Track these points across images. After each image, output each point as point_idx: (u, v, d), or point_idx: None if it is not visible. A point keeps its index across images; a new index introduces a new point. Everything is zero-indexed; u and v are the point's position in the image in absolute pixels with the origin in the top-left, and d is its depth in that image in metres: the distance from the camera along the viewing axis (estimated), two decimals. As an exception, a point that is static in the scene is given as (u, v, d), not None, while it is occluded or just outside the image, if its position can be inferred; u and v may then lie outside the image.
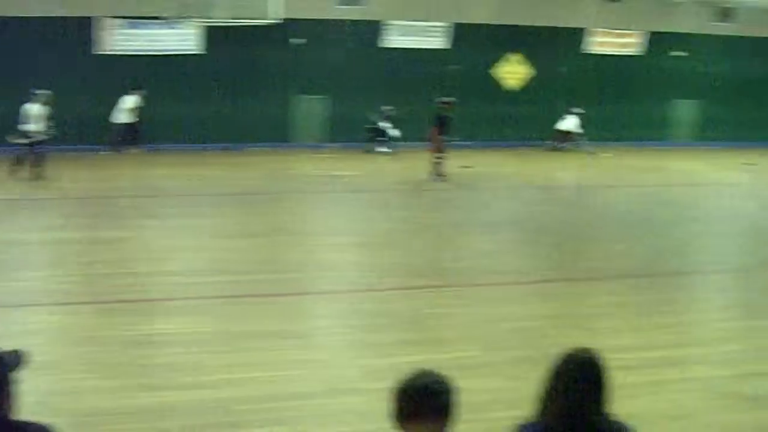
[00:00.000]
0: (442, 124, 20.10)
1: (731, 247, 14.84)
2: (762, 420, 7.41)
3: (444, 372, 3.30)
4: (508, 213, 17.24)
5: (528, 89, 26.64)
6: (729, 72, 27.82)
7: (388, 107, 24.47)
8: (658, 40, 26.88)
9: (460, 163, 21.02)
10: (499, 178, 21.26)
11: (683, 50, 27.27)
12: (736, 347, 9.43)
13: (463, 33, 25.41)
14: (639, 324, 9.93)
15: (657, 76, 27.16)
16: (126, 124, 23.27)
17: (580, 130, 25.98)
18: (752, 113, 28.04)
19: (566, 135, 26.21)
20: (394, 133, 24.50)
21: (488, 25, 25.56)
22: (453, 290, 11.24)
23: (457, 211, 16.85)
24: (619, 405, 3.71)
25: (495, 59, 26.36)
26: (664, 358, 8.80)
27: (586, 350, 3.59)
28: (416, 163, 21.26)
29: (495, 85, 26.41)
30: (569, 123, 26.39)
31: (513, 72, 26.62)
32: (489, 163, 23.09)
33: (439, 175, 19.94)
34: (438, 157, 20.01)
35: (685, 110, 27.96)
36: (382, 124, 24.66)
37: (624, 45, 27.00)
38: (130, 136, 23.25)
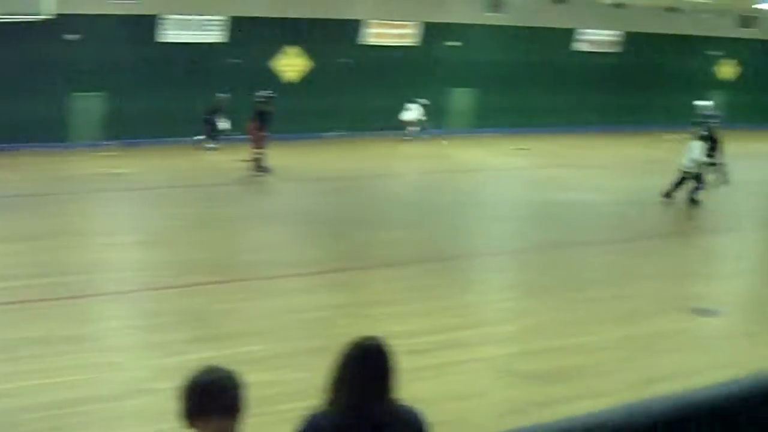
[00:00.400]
0: (261, 118, 19.87)
1: (508, 230, 15.47)
2: (542, 394, 7.77)
3: (232, 367, 3.25)
4: (297, 205, 17.27)
5: (307, 81, 26.69)
6: (502, 61, 28.97)
7: (223, 95, 23.81)
8: (433, 31, 27.62)
9: (241, 156, 20.82)
10: (289, 170, 21.21)
11: (458, 40, 28.15)
12: (516, 326, 9.88)
13: (240, 26, 25.14)
14: (425, 308, 10.20)
15: (433, 66, 27.89)
16: None
17: (424, 118, 26.60)
18: (525, 100, 29.34)
19: (410, 124, 26.85)
20: (224, 125, 23.72)
21: (266, 18, 25.41)
22: (240, 284, 11.14)
23: (246, 205, 16.74)
24: (407, 389, 3.77)
25: (274, 52, 26.26)
26: (450, 341, 9.08)
27: (371, 338, 3.61)
28: (233, 156, 20.89)
29: (274, 78, 26.26)
30: (413, 113, 26.96)
31: (291, 65, 26.62)
32: (281, 156, 22.98)
33: (259, 169, 19.71)
34: (257, 152, 19.77)
35: (461, 99, 28.89)
36: (213, 117, 23.93)
37: (400, 36, 27.54)
38: None
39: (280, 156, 20.19)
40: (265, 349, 8.63)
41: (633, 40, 31.00)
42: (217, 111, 23.86)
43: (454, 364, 8.38)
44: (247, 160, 19.71)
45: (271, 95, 20.36)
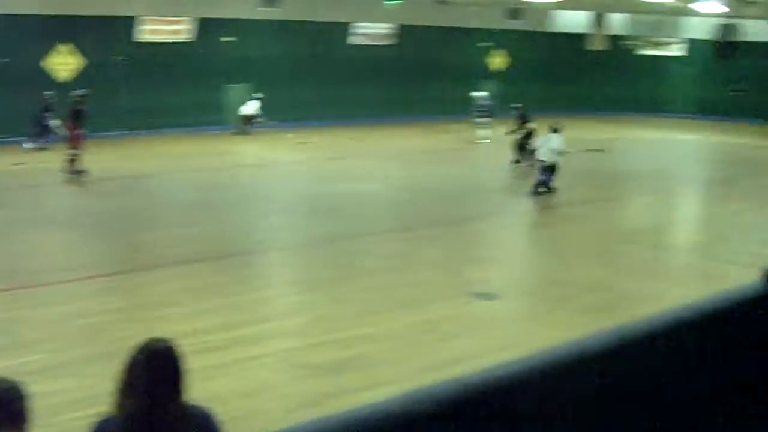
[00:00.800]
0: (77, 117, 18.92)
1: (292, 224, 15.55)
2: (333, 385, 7.89)
3: (15, 378, 3.11)
4: (81, 206, 16.69)
5: (80, 80, 25.67)
6: (279, 55, 29.01)
7: (49, 93, 22.33)
8: (207, 27, 27.27)
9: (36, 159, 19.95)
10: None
11: (233, 36, 27.94)
12: (303, 319, 9.96)
13: (9, 24, 23.84)
14: (211, 306, 10.10)
15: (209, 62, 27.56)
16: None
17: (260, 113, 26.46)
18: (304, 94, 29.51)
19: (249, 119, 26.69)
20: (55, 123, 22.19)
21: (36, 16, 24.23)
22: (15, 293, 10.59)
23: (24, 208, 15.90)
24: (198, 388, 3.74)
25: (45, 51, 25.09)
26: (238, 337, 9.05)
27: (158, 339, 3.57)
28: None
29: (46, 78, 25.10)
30: (251, 107, 26.90)
31: (64, 63, 25.54)
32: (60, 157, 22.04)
33: (74, 171, 18.73)
34: (73, 153, 18.77)
35: (238, 95, 28.69)
36: (44, 116, 22.43)
37: (174, 32, 27.04)
38: None
39: (60, 157, 19.33)
40: (47, 357, 8.30)
41: (406, 33, 31.82)
42: (47, 109, 22.59)
43: (244, 361, 8.37)
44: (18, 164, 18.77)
45: (85, 93, 19.42)
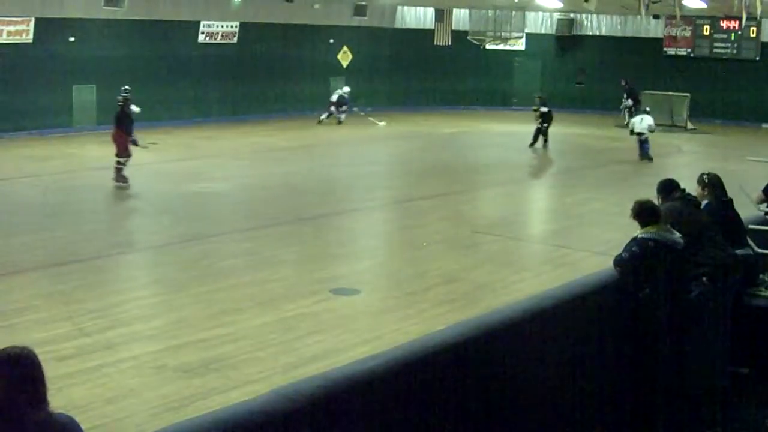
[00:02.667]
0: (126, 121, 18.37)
1: (145, 226, 15.33)
2: (196, 387, 7.90)
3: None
4: None
5: None
6: (125, 55, 28.35)
7: None
8: (48, 27, 26.42)
9: None
10: None
11: (76, 36, 27.16)
12: (162, 322, 9.89)
13: None
14: (67, 312, 9.91)
15: (52, 63, 26.71)
16: None
17: None
18: (151, 94, 28.84)
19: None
20: None
21: None
22: None
23: None
24: (58, 397, 3.73)
25: None
26: (97, 343, 8.92)
27: (14, 347, 3.52)
28: None
29: None
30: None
31: None
32: None
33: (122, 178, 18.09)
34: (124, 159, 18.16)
35: (83, 95, 27.93)
36: None
37: (14, 33, 26.08)
38: None
39: None
40: None
41: (253, 31, 31.64)
42: None
43: (105, 366, 8.27)
44: None
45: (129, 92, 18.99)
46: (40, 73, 26.37)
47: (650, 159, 23.48)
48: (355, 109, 31.37)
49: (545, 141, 26.33)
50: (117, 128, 18.63)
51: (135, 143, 18.32)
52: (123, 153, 18.24)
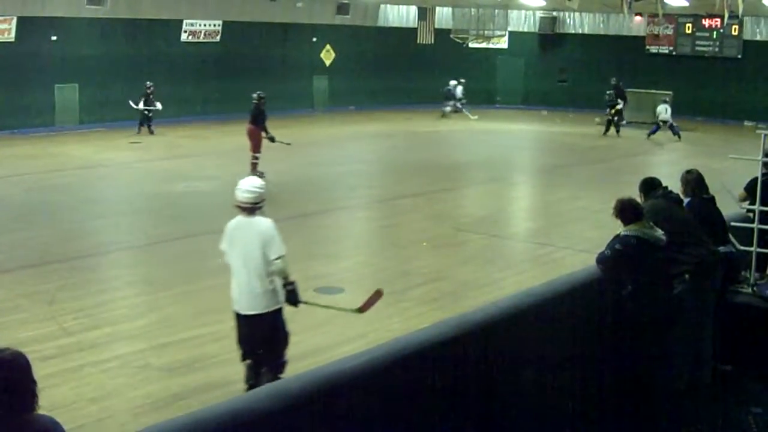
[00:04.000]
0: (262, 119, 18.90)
1: (129, 225, 15.26)
2: (180, 386, 7.87)
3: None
4: None
5: None
6: (108, 54, 28.25)
7: None
8: (30, 26, 26.29)
9: None
10: None
11: (59, 35, 27.04)
12: (146, 321, 9.86)
13: None
14: (50, 312, 9.86)
15: (34, 62, 26.58)
16: None
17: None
18: (132, 93, 28.80)
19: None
20: None
21: None
22: None
23: None
24: (42, 397, 3.71)
25: None
26: (80, 342, 8.89)
27: (2, 351, 3.52)
28: None
29: None
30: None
31: None
32: None
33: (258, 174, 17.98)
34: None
35: (66, 94, 27.83)
36: None
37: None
38: None
39: None
40: None
41: (233, 30, 31.58)
42: None
43: (89, 366, 8.24)
44: None
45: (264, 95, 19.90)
46: (22, 72, 26.26)
47: (680, 137, 27.72)
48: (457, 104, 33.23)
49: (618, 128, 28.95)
50: (253, 125, 19.19)
51: (272, 140, 18.99)
52: (258, 149, 18.99)
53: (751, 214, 8.82)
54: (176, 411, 6.63)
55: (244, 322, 7.45)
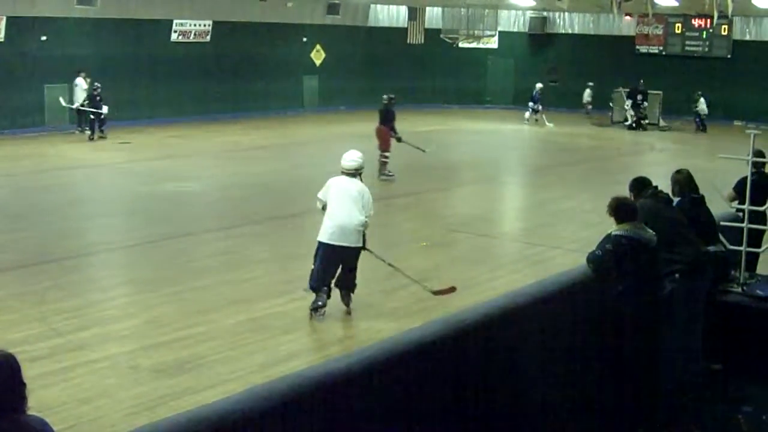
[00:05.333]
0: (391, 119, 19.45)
1: (118, 226, 15.23)
2: (170, 387, 7.86)
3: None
4: None
5: None
6: (98, 54, 28.14)
7: None
8: (20, 26, 26.19)
9: None
10: None
11: (48, 35, 26.93)
12: (136, 322, 9.84)
13: None
14: (39, 313, 9.83)
15: (23, 62, 26.48)
16: None
17: None
18: (123, 93, 28.72)
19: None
20: None
21: None
22: None
23: None
24: (30, 397, 3.71)
25: None
26: (70, 343, 8.87)
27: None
28: None
29: None
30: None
31: None
32: None
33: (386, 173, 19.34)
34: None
35: (56, 94, 27.55)
36: None
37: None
38: None
39: None
40: None
41: (223, 30, 31.53)
42: None
43: (78, 367, 8.22)
44: None
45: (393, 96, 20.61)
46: (11, 72, 26.15)
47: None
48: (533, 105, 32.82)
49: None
50: (382, 125, 19.79)
51: (399, 140, 19.73)
52: (387, 148, 19.59)
53: (740, 214, 8.85)
54: (166, 411, 6.62)
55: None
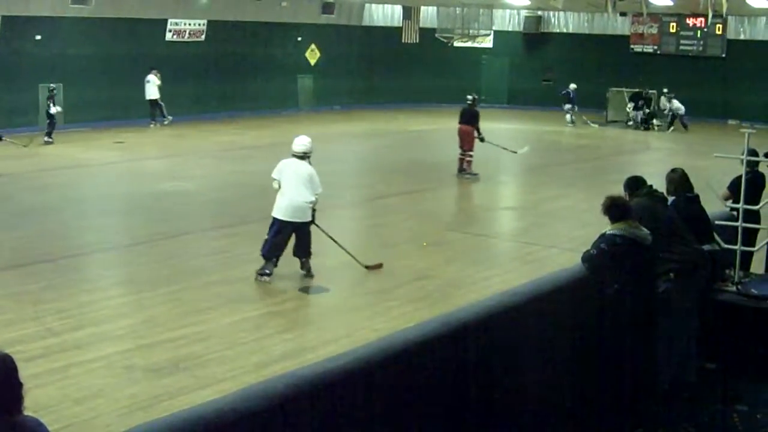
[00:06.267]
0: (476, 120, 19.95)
1: (114, 225, 15.20)
2: (166, 387, 7.86)
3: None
4: None
5: None
6: (93, 54, 28.13)
7: None
8: (14, 25, 26.15)
9: None
10: None
11: (43, 34, 26.89)
12: (131, 321, 9.84)
13: None
14: (34, 313, 9.82)
15: (18, 62, 26.43)
16: None
17: None
18: (119, 93, 28.77)
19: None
20: None
21: None
22: None
23: None
24: (27, 397, 3.69)
25: None
26: (65, 343, 8.86)
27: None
28: None
29: None
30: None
31: None
32: None
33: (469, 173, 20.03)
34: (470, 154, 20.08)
35: (46, 94, 27.66)
36: None
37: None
38: None
39: None
40: None
41: (218, 29, 31.50)
42: None
43: (73, 366, 8.21)
44: None
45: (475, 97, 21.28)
46: (6, 71, 26.11)
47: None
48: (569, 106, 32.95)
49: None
50: (467, 125, 20.24)
51: (482, 140, 20.29)
52: (471, 148, 20.13)
53: (735, 213, 8.87)
54: (161, 411, 6.62)
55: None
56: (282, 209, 11.29)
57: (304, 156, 11.53)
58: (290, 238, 11.41)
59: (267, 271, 11.25)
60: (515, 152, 21.91)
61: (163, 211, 16.10)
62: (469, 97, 21.11)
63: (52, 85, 25.23)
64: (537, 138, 28.88)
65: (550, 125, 31.79)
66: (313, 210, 11.43)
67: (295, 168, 11.41)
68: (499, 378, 5.82)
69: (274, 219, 11.32)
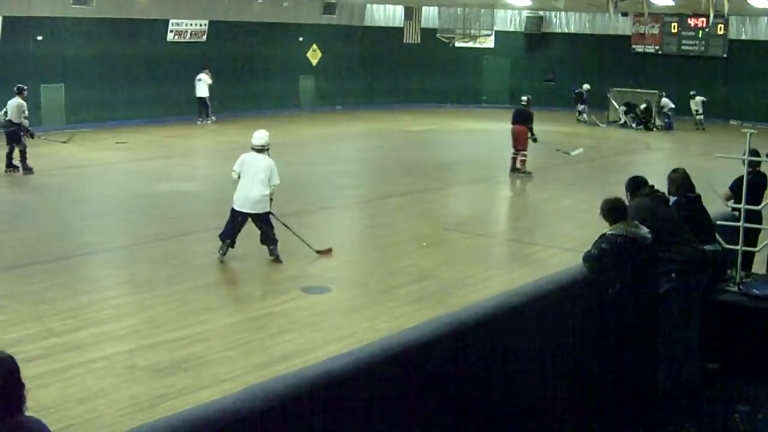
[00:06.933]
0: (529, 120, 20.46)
1: (116, 226, 15.19)
2: (167, 387, 7.87)
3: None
4: None
5: None
6: (95, 54, 28.14)
7: None
8: (16, 25, 26.16)
9: None
10: None
11: (44, 34, 26.90)
12: (133, 321, 9.83)
13: None
14: (35, 313, 9.82)
15: (19, 62, 26.42)
16: None
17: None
18: (121, 93, 28.77)
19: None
20: None
21: None
22: None
23: None
24: (29, 398, 3.69)
25: None
26: (66, 343, 8.86)
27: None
28: None
29: None
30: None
31: None
32: None
33: (519, 171, 20.48)
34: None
35: (52, 94, 27.68)
36: None
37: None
38: None
39: None
40: None
41: (219, 30, 31.50)
42: None
43: (74, 367, 8.21)
44: None
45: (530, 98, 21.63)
46: (7, 72, 26.07)
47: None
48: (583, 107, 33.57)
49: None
50: (521, 125, 20.65)
51: (535, 140, 20.77)
52: (525, 147, 20.61)
53: (736, 213, 8.87)
54: (163, 411, 6.62)
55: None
56: (239, 201, 12.12)
57: (262, 149, 12.32)
58: (242, 226, 12.27)
59: (221, 251, 12.20)
60: (569, 153, 22.07)
61: (164, 211, 16.11)
62: (524, 98, 21.45)
63: (23, 86, 21.64)
64: (539, 138, 28.83)
65: (551, 126, 31.74)
66: (270, 200, 12.28)
67: (255, 161, 12.18)
68: (500, 378, 5.82)
69: (231, 209, 12.21)
